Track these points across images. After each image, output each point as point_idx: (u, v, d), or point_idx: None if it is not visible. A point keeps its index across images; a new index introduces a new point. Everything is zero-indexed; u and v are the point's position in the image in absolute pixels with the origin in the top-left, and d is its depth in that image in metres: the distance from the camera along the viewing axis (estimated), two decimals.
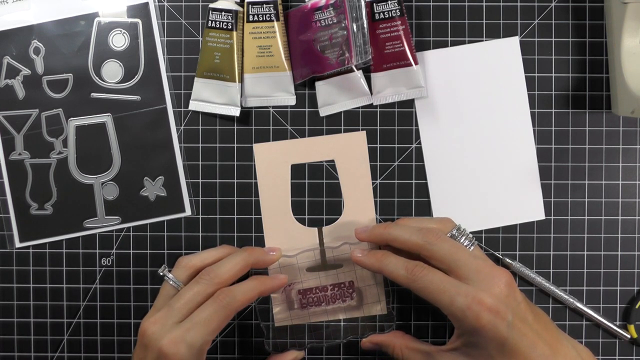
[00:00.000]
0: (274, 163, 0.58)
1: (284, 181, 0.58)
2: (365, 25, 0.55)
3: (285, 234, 0.58)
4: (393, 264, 0.50)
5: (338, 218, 0.58)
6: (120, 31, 0.58)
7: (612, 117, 0.58)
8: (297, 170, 0.58)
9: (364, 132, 0.58)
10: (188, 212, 0.58)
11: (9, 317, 0.59)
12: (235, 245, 0.58)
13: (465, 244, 0.51)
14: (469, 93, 0.58)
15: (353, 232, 0.55)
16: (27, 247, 0.59)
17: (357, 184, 0.58)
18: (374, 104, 0.58)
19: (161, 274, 0.52)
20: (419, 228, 0.51)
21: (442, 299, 0.47)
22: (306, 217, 0.58)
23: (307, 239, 0.58)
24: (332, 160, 0.58)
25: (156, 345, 0.48)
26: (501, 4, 0.58)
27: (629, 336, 0.57)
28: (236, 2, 0.56)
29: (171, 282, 0.51)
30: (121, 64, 0.58)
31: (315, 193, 0.58)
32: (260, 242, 0.58)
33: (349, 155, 0.58)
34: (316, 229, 0.58)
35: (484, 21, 0.58)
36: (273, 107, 0.58)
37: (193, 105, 0.58)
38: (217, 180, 0.58)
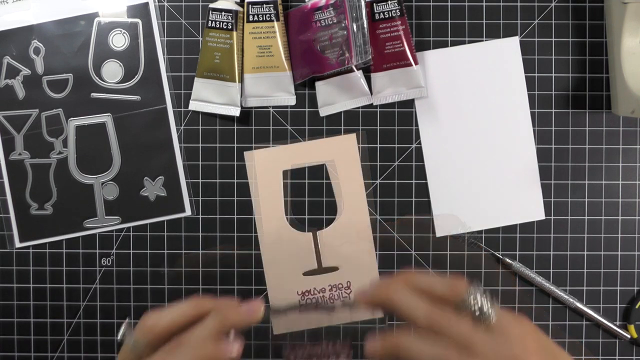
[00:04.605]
0: (265, 170, 0.58)
1: (276, 187, 0.58)
2: (365, 25, 0.55)
3: (280, 239, 0.58)
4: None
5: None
6: (120, 31, 0.58)
7: (612, 117, 0.58)
8: (295, 172, 0.58)
9: (354, 134, 0.58)
10: (188, 212, 0.58)
11: (9, 317, 0.59)
12: (235, 246, 0.58)
13: (483, 309, 0.40)
14: (469, 93, 0.58)
15: (348, 234, 0.54)
16: (27, 247, 0.59)
17: (349, 186, 0.58)
18: (374, 104, 0.58)
19: (119, 339, 0.43)
20: (426, 308, 0.41)
21: None
22: (306, 217, 0.58)
23: (302, 243, 0.58)
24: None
25: None
26: (501, 4, 0.58)
27: (629, 336, 0.57)
28: (236, 2, 0.56)
29: (131, 345, 0.42)
30: (121, 64, 0.58)
31: (315, 193, 0.58)
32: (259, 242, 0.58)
33: (340, 158, 0.58)
34: (311, 233, 0.58)
35: (484, 21, 0.58)
36: (273, 107, 0.58)
37: (193, 105, 0.58)
38: (217, 180, 0.58)
